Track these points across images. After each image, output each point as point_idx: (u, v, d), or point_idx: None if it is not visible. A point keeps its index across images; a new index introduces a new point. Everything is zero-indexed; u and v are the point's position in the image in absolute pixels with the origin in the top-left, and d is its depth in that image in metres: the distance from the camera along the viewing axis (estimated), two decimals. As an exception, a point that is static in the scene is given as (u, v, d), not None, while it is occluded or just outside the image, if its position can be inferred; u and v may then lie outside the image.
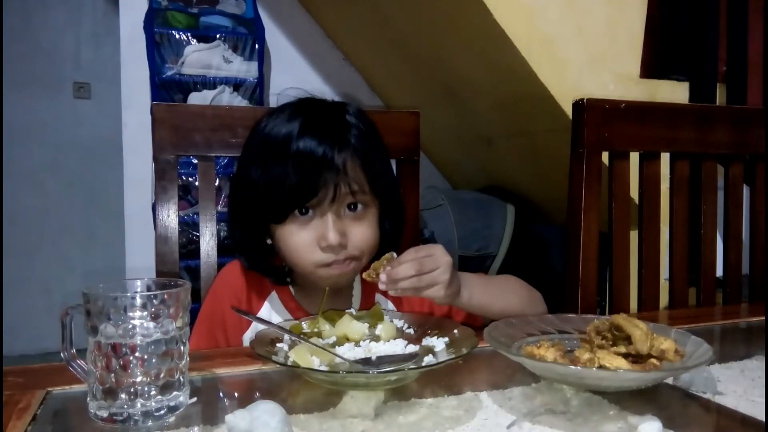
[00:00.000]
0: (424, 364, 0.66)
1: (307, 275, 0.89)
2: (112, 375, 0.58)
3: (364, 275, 0.80)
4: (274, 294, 0.95)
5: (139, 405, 0.58)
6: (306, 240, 0.85)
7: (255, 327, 0.90)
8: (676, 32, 1.87)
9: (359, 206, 0.86)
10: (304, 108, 0.88)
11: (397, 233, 0.94)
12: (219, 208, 1.10)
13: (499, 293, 0.91)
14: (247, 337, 0.92)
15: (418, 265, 0.77)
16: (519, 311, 0.89)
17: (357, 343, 0.75)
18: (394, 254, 0.81)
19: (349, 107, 0.90)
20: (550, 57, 1.72)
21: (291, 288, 0.95)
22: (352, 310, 0.85)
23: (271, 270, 0.93)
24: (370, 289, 0.96)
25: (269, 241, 0.90)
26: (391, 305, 0.97)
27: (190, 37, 2.32)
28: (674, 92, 1.85)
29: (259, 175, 0.85)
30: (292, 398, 0.66)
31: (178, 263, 1.05)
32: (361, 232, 0.86)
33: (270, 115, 0.89)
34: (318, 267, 0.85)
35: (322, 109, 0.89)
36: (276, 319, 0.92)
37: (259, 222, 0.88)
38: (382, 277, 0.77)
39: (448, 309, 0.95)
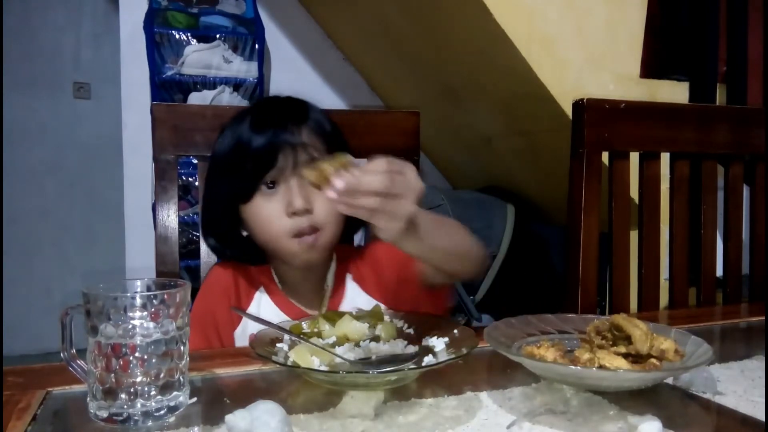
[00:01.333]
0: (424, 364, 0.66)
1: (280, 250, 0.90)
2: (112, 375, 0.58)
3: (308, 175, 0.64)
4: (262, 291, 0.96)
5: (139, 405, 0.58)
6: (274, 210, 0.87)
7: (245, 322, 0.92)
8: (676, 32, 1.87)
9: None
10: (256, 103, 0.94)
11: None
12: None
13: (444, 236, 0.80)
14: (239, 333, 0.93)
15: (389, 182, 0.61)
16: (460, 252, 0.83)
17: (357, 343, 0.75)
18: (350, 156, 0.63)
19: (294, 97, 0.95)
20: (550, 57, 1.72)
21: (279, 284, 0.96)
22: (352, 310, 0.85)
23: (252, 256, 0.95)
24: (342, 270, 0.97)
25: (245, 233, 0.93)
26: (360, 291, 0.96)
27: (190, 37, 2.32)
28: (674, 92, 1.84)
29: (224, 168, 0.90)
30: (292, 398, 0.66)
31: (178, 263, 1.05)
32: (325, 200, 0.83)
33: (222, 131, 0.94)
34: (289, 237, 0.87)
35: (273, 98, 0.96)
36: (265, 315, 0.92)
37: (230, 206, 0.91)
38: (338, 183, 0.60)
39: (417, 293, 0.92)
